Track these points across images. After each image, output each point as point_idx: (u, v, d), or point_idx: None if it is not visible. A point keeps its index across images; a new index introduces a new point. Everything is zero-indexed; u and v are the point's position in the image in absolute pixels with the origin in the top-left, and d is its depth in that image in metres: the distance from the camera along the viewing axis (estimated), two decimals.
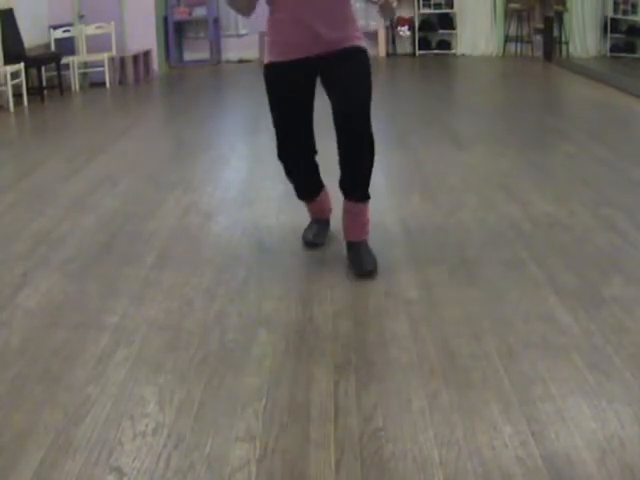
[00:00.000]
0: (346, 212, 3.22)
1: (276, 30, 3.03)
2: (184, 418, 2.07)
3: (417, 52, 11.70)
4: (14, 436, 2.01)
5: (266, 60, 3.10)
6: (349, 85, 2.98)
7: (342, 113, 2.98)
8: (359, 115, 2.97)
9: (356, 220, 3.19)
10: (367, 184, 3.15)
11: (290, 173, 3.29)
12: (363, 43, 3.06)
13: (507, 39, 11.38)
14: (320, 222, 3.50)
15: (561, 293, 2.80)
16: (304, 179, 3.35)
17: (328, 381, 2.24)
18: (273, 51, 3.06)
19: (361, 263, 3.08)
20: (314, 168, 3.31)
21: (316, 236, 3.42)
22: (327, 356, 2.39)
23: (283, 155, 3.20)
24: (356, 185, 3.14)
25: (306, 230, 3.48)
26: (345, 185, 3.16)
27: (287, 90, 3.09)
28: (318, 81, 3.11)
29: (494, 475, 1.80)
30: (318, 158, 3.27)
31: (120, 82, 9.64)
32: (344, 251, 3.24)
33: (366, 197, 3.18)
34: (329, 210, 3.51)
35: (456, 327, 2.56)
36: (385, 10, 2.85)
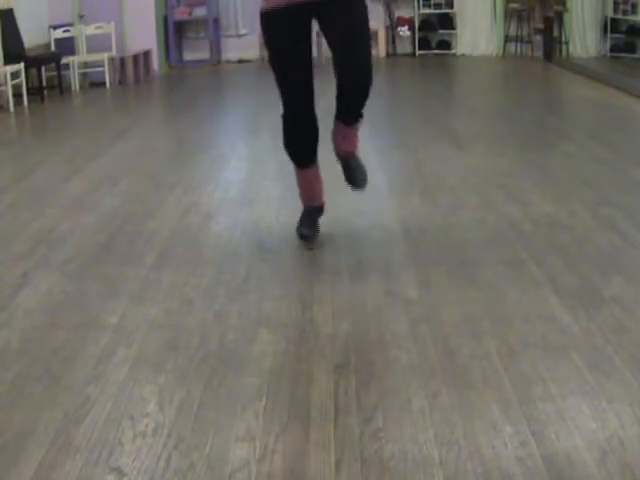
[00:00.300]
0: (338, 131, 3.31)
1: None
2: (184, 418, 2.07)
3: (417, 52, 11.69)
4: (14, 436, 2.01)
5: (264, 8, 3.06)
6: (351, 38, 3.02)
7: (346, 66, 3.04)
8: (363, 66, 3.05)
9: (347, 137, 3.31)
10: (362, 109, 3.23)
11: (291, 129, 3.24)
12: None
13: (507, 39, 11.38)
14: (312, 212, 3.44)
15: (561, 293, 2.80)
16: (305, 134, 3.26)
17: (328, 381, 2.24)
18: None
19: (353, 177, 3.32)
20: (314, 122, 3.24)
21: (311, 228, 3.37)
22: (327, 356, 2.39)
23: (288, 112, 3.18)
24: (353, 114, 3.25)
25: (300, 222, 3.41)
26: (341, 114, 3.23)
27: (286, 39, 3.07)
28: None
29: (494, 475, 1.79)
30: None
31: (120, 82, 9.63)
32: (344, 251, 3.24)
33: (360, 118, 3.27)
34: (320, 194, 3.46)
35: (456, 327, 2.56)
36: None
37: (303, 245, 3.37)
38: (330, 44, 3.07)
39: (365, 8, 3.07)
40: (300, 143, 3.30)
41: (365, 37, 3.08)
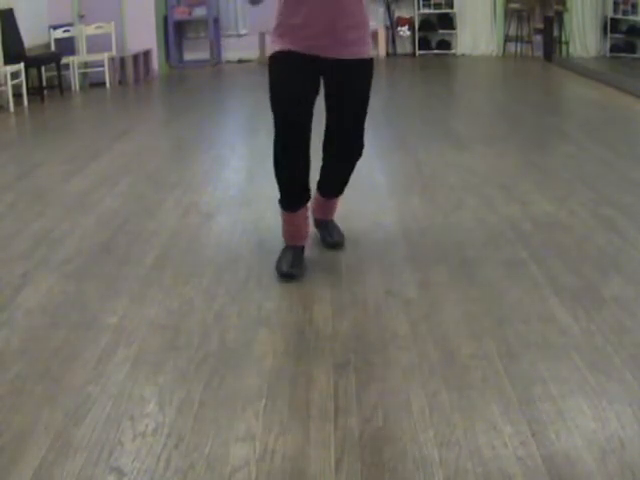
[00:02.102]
0: (318, 201, 3.41)
1: (290, 22, 2.93)
2: (184, 418, 2.07)
3: (417, 52, 11.70)
4: (14, 436, 2.01)
5: (275, 49, 2.98)
6: (352, 104, 3.06)
7: (339, 129, 3.10)
8: (357, 133, 3.11)
9: (327, 208, 3.43)
10: (345, 185, 3.35)
11: (282, 171, 3.05)
12: (371, 49, 3.07)
13: (507, 39, 11.38)
14: (295, 249, 3.17)
15: (561, 293, 2.80)
16: (295, 180, 3.08)
17: (328, 381, 2.24)
18: (284, 41, 2.96)
19: (330, 236, 3.39)
20: (307, 173, 3.09)
21: (292, 266, 3.07)
22: (327, 356, 2.39)
23: (279, 150, 2.99)
24: (336, 189, 3.37)
25: (279, 260, 3.11)
26: (324, 186, 3.34)
27: (295, 77, 2.96)
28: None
29: (494, 475, 1.80)
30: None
31: (120, 82, 9.64)
32: (344, 251, 3.25)
33: (340, 194, 3.40)
34: (305, 235, 3.22)
35: (456, 327, 2.56)
36: None
37: (278, 278, 3.04)
38: (327, 106, 3.05)
39: (372, 70, 3.08)
40: (291, 182, 3.09)
41: (364, 103, 3.08)
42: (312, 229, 3.38)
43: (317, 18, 2.89)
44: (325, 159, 3.23)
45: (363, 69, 3.04)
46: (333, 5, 2.88)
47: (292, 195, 3.13)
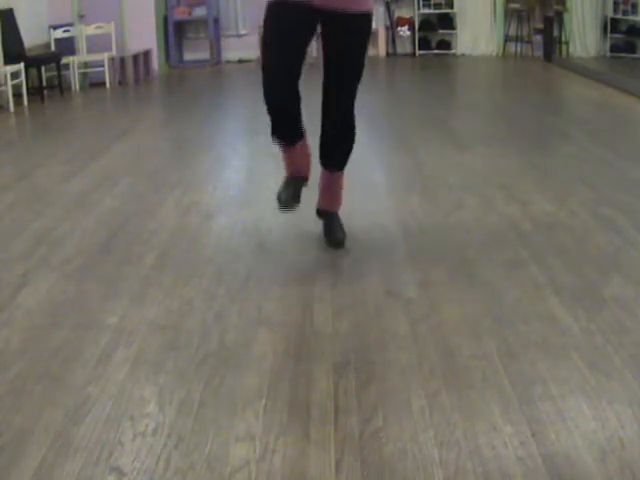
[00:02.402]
0: (323, 179, 3.36)
1: None
2: (184, 418, 2.07)
3: (417, 52, 11.70)
4: (14, 436, 2.01)
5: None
6: (347, 54, 3.06)
7: (334, 79, 3.08)
8: (350, 85, 3.09)
9: (331, 188, 3.37)
10: (347, 157, 3.29)
11: (272, 107, 3.09)
12: (371, 4, 3.07)
13: (507, 39, 11.39)
14: (296, 180, 3.27)
15: (561, 293, 2.80)
16: (286, 118, 3.14)
17: (328, 381, 2.24)
18: None
19: (333, 232, 3.34)
20: (298, 111, 3.14)
21: (292, 197, 3.21)
22: (327, 356, 2.39)
23: (269, 87, 3.04)
24: (336, 158, 3.31)
25: (281, 190, 3.25)
26: (324, 154, 3.29)
27: (289, 26, 3.01)
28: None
29: (494, 475, 1.79)
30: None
31: (120, 82, 9.64)
32: (344, 251, 3.25)
33: (342, 166, 3.34)
34: (307, 167, 3.29)
35: (456, 327, 2.56)
36: None
37: (278, 207, 3.27)
38: (324, 60, 3.08)
39: (370, 26, 3.10)
40: (278, 119, 3.13)
41: (358, 71, 3.09)
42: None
43: None
44: (322, 123, 3.22)
45: (361, 23, 3.05)
46: None
47: (283, 127, 3.18)
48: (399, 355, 2.38)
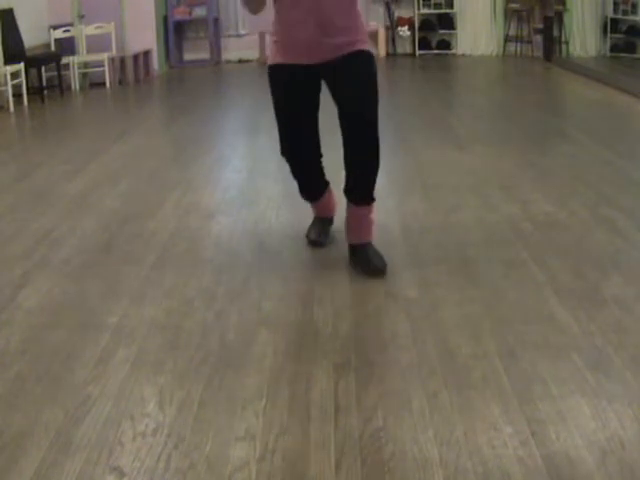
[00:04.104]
0: (350, 215, 3.17)
1: (281, 32, 3.00)
2: (184, 418, 2.07)
3: (417, 52, 11.69)
4: (14, 436, 2.01)
5: (270, 61, 3.08)
6: (354, 88, 2.95)
7: (348, 116, 2.96)
8: (365, 117, 2.93)
9: (361, 223, 3.15)
10: (372, 187, 3.09)
11: (294, 172, 3.27)
12: (368, 46, 3.02)
13: (507, 39, 11.38)
14: (324, 220, 3.48)
15: (561, 293, 2.80)
16: (308, 180, 3.32)
17: (328, 381, 2.24)
18: (278, 53, 3.04)
19: (369, 262, 3.04)
20: (319, 170, 3.29)
21: (320, 235, 3.40)
22: (327, 356, 2.39)
23: (287, 155, 3.19)
24: (361, 189, 3.10)
25: (310, 228, 3.45)
26: (350, 189, 3.11)
27: (291, 91, 3.07)
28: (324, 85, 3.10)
29: (494, 475, 1.80)
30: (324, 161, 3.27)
31: (120, 82, 9.63)
32: (344, 251, 3.24)
33: (371, 200, 3.14)
34: (333, 209, 3.48)
35: (456, 327, 2.56)
36: None
37: (307, 244, 3.39)
38: (334, 98, 3.04)
39: (372, 61, 3.00)
40: (301, 182, 3.31)
41: (368, 87, 2.96)
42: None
43: (303, 36, 2.92)
44: (345, 160, 3.05)
45: (360, 57, 2.98)
46: (317, 19, 2.88)
47: (309, 186, 3.36)
48: (399, 355, 2.38)
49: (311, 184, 3.36)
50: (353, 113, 2.95)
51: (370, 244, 3.14)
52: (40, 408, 2.14)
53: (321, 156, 3.23)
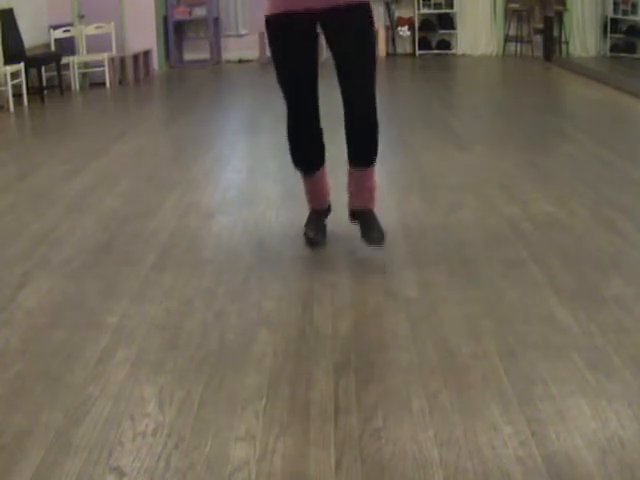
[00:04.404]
0: (351, 180, 3.22)
1: None
2: (184, 418, 2.07)
3: (417, 52, 11.69)
4: (14, 436, 2.01)
5: (267, 12, 3.05)
6: (352, 44, 3.00)
7: (345, 75, 3.01)
8: (363, 77, 3.01)
9: (363, 185, 3.20)
10: (370, 148, 3.12)
11: (295, 138, 3.22)
12: None
13: (507, 39, 11.38)
14: (319, 213, 3.42)
15: (561, 293, 2.80)
16: (308, 143, 3.25)
17: (328, 381, 2.24)
18: (274, 1, 3.02)
19: (369, 230, 3.14)
20: (319, 134, 3.23)
21: (317, 234, 3.36)
22: (327, 356, 2.39)
23: (292, 117, 3.15)
24: (359, 146, 3.13)
25: (306, 227, 3.39)
26: (351, 152, 3.15)
27: (291, 41, 3.05)
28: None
29: (494, 475, 1.79)
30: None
31: (120, 82, 9.63)
32: (344, 250, 3.24)
33: (370, 161, 3.16)
34: (327, 194, 3.41)
35: (456, 327, 2.56)
36: None
37: (305, 243, 3.37)
38: (331, 51, 3.05)
39: (370, 13, 3.03)
40: (304, 149, 3.27)
41: (366, 46, 3.02)
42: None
43: None
44: (345, 120, 3.09)
45: (358, 14, 3.00)
46: None
47: (306, 163, 3.30)
48: (399, 355, 2.38)
49: (311, 150, 3.26)
50: (351, 75, 3.01)
51: (371, 211, 3.21)
52: (40, 408, 2.14)
53: (321, 129, 3.20)
